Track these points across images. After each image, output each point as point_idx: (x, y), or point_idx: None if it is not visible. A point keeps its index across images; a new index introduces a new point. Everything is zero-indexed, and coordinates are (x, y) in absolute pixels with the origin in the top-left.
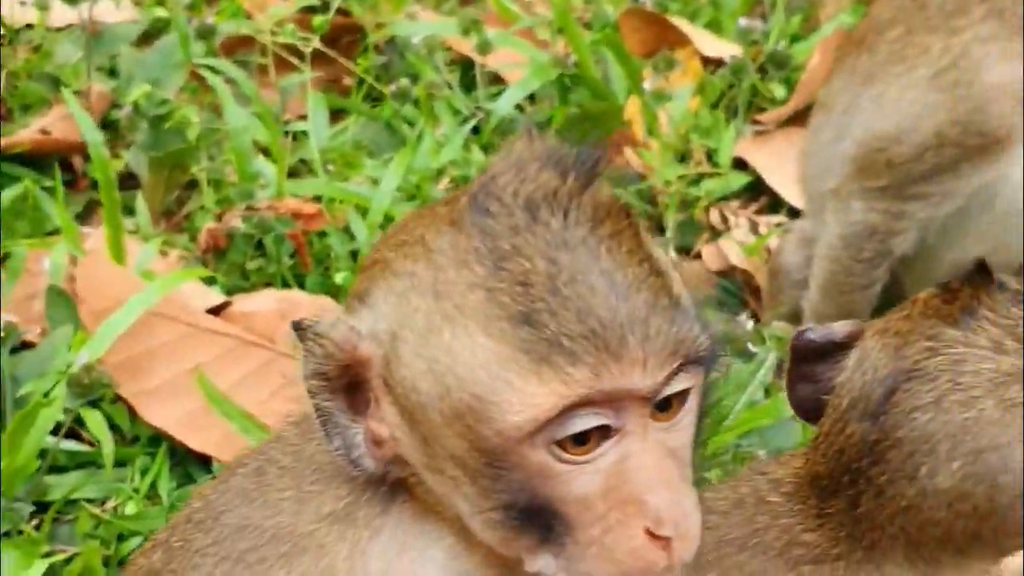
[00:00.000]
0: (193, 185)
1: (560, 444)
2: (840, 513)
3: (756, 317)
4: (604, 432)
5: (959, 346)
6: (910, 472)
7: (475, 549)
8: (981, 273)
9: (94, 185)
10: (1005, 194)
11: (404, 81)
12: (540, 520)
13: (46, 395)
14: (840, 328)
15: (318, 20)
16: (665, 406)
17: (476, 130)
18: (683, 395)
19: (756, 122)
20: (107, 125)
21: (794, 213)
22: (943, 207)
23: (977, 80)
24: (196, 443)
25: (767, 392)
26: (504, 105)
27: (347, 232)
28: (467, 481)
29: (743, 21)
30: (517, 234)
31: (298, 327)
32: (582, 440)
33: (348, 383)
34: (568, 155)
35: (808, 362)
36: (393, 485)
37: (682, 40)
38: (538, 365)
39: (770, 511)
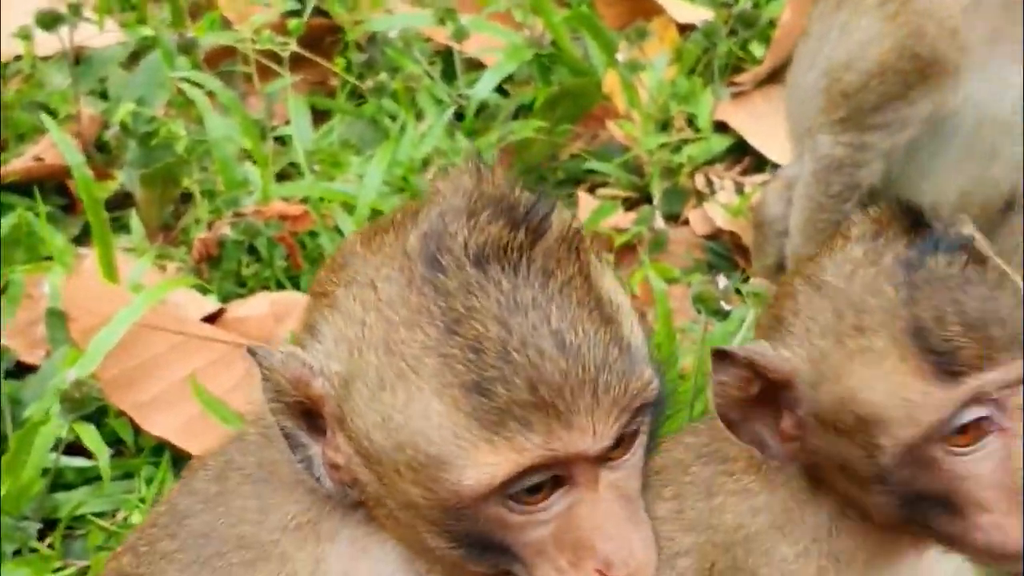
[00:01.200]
0: (188, 198)
1: (513, 497)
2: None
3: (747, 277)
4: (556, 481)
5: None
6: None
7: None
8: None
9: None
10: (962, 123)
11: (382, 76)
12: (496, 556)
13: (45, 413)
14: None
15: (294, 23)
16: (615, 446)
17: (460, 117)
18: (633, 434)
19: (734, 84)
20: (101, 147)
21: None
22: (902, 135)
23: (912, 6)
24: (197, 449)
25: None
26: (483, 89)
27: (337, 230)
28: (422, 521)
29: None
30: (469, 294)
31: (253, 354)
32: (535, 490)
33: (305, 409)
34: (519, 204)
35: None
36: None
37: (656, 9)
38: (491, 433)
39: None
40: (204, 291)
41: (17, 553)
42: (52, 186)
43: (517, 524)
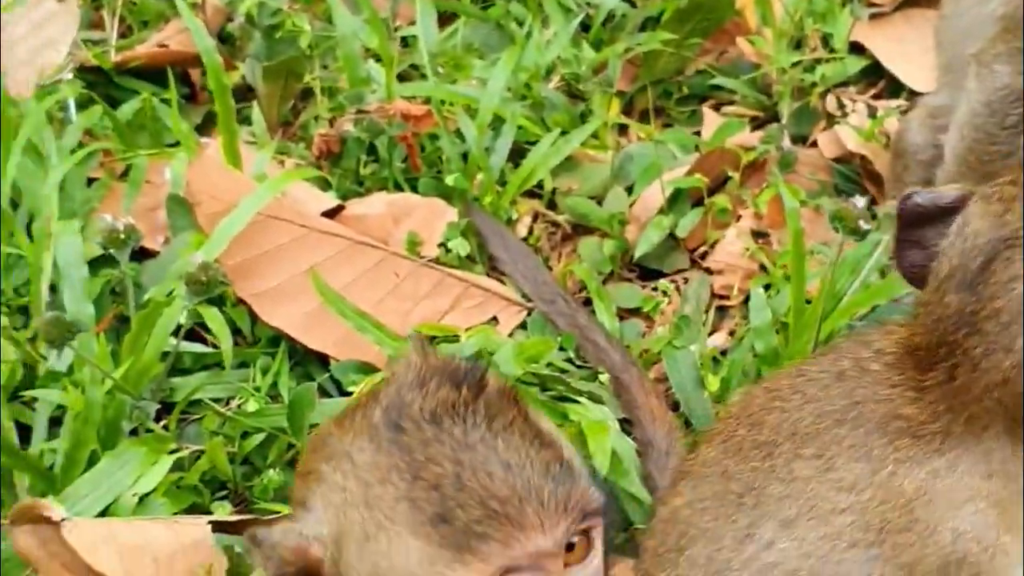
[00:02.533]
0: (308, 95)
1: None
2: (938, 386)
3: (874, 202)
4: None
5: None
6: (1006, 344)
7: None
8: None
9: (212, 98)
10: None
11: None
12: None
13: (167, 296)
14: (947, 192)
15: None
16: (571, 549)
17: (586, 27)
18: (587, 542)
19: (873, 4)
20: (223, 40)
21: (915, 97)
22: None
23: None
24: (314, 343)
25: (882, 273)
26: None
27: (457, 134)
28: None
29: None
30: (428, 446)
31: (253, 539)
32: None
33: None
34: (459, 369)
35: (916, 227)
36: None
37: None
38: (460, 553)
39: (870, 382)
40: (323, 188)
41: (134, 432)
42: (174, 74)
43: None
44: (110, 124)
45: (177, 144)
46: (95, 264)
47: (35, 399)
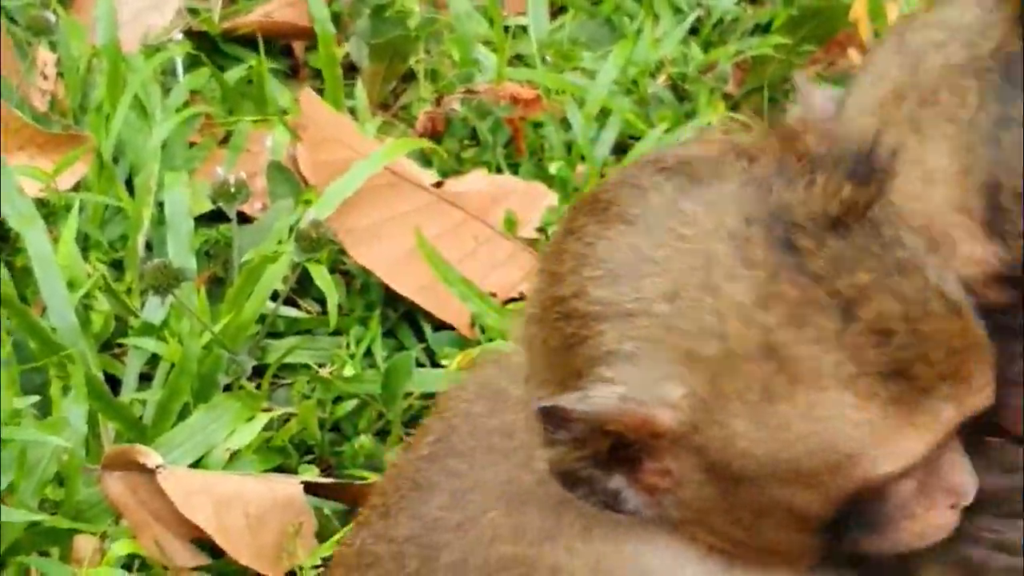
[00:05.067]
0: (409, 78)
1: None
2: None
3: None
4: None
5: None
6: None
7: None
8: None
9: (314, 74)
10: None
11: None
12: (858, 532)
13: (271, 255)
14: None
15: None
16: None
17: (695, 30)
18: None
19: None
20: (336, 14)
21: None
22: None
23: None
24: (400, 287)
25: None
26: (725, 1)
27: (564, 122)
28: (782, 525)
29: None
30: (852, 268)
31: (555, 413)
32: None
33: (611, 448)
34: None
35: None
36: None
37: None
38: (911, 413)
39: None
40: (425, 164)
41: (227, 388)
42: (277, 48)
43: (895, 491)
44: (217, 88)
45: (279, 113)
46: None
47: (124, 352)
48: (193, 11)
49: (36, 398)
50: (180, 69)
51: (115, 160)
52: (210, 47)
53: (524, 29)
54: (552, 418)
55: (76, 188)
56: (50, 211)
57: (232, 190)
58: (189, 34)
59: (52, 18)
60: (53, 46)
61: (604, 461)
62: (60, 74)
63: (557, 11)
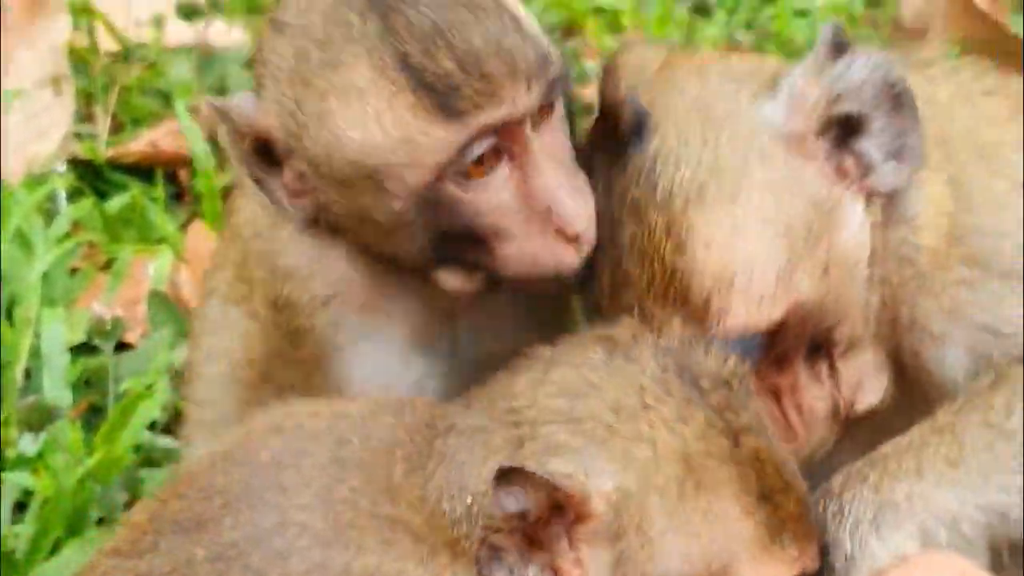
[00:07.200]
0: None
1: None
2: None
3: None
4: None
5: None
6: None
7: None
8: None
9: (197, 199)
10: None
11: None
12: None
13: (146, 389)
14: None
15: None
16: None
17: None
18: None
19: None
20: (215, 144)
21: None
22: None
23: None
24: None
25: None
26: None
27: None
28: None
29: None
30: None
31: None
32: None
33: (260, 147)
34: None
35: None
36: None
37: None
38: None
39: None
40: None
41: (101, 521)
42: (163, 172)
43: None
44: (98, 216)
45: (162, 241)
46: (73, 353)
47: None
48: (80, 135)
49: None
50: (63, 200)
51: None
52: (94, 175)
53: None
54: (507, 480)
55: None
56: None
57: (108, 327)
58: (75, 162)
59: None
60: None
61: (527, 547)
62: None
63: None
